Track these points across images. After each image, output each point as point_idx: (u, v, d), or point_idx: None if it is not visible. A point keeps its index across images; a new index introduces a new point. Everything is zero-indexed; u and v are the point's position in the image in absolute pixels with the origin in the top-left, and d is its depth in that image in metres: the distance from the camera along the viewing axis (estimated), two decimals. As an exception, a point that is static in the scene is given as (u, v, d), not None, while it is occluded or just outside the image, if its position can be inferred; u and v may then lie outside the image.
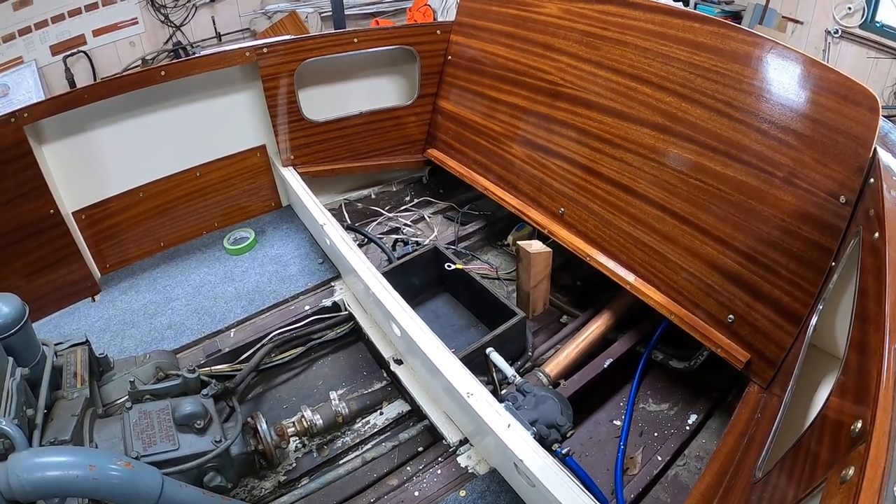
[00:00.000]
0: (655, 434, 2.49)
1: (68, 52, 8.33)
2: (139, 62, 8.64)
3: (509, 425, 2.08)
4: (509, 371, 2.51)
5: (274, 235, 3.68)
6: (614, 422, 2.55)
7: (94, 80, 8.43)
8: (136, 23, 8.68)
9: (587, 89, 2.91)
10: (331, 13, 9.24)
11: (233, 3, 9.12)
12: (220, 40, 9.08)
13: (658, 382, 2.71)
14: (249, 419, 2.36)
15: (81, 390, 2.16)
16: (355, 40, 3.59)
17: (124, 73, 3.59)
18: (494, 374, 2.60)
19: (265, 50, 3.38)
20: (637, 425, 2.53)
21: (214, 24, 9.05)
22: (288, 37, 4.07)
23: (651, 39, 2.69)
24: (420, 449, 2.53)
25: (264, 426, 2.33)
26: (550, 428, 2.25)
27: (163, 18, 8.71)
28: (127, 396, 2.32)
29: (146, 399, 2.31)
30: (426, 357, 2.38)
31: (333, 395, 2.64)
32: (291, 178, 3.62)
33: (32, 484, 1.56)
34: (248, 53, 3.37)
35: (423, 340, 2.43)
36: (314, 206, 3.34)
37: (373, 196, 4.14)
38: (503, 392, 2.46)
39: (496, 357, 2.56)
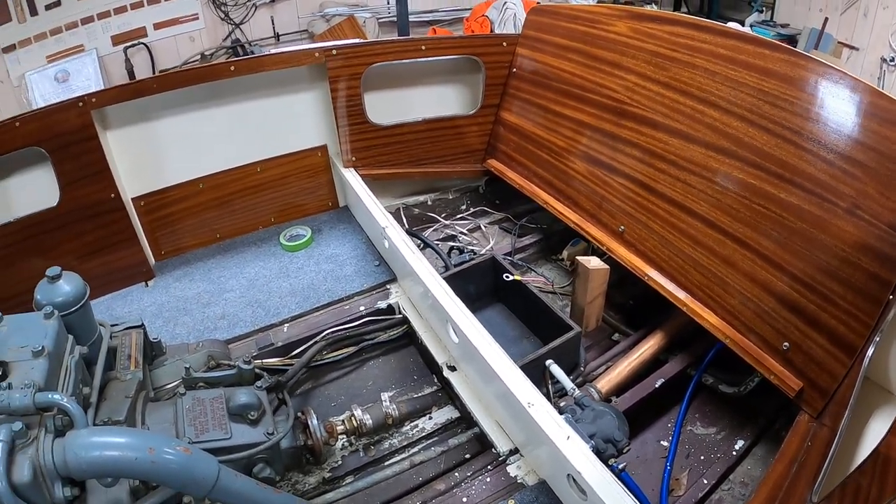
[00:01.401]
0: (702, 457, 2.53)
1: (129, 44, 8.62)
2: (198, 57, 8.89)
3: (568, 437, 2.13)
4: (569, 384, 2.57)
5: (330, 235, 3.82)
6: (661, 442, 2.61)
7: (153, 72, 8.73)
8: (197, 18, 8.95)
9: (654, 109, 2.98)
10: (388, 19, 9.47)
11: (292, 4, 9.34)
12: (279, 40, 9.29)
13: (706, 406, 2.76)
14: (300, 414, 2.43)
15: (135, 373, 2.23)
16: (423, 48, 3.72)
17: (193, 67, 3.76)
18: (550, 386, 2.66)
19: (334, 52, 3.52)
20: (684, 447, 2.58)
21: (273, 24, 9.27)
22: (357, 40, 4.25)
23: (720, 63, 2.75)
24: (467, 456, 2.59)
25: (315, 422, 2.40)
26: (607, 443, 2.29)
27: (223, 16, 8.96)
28: (178, 382, 2.42)
29: (199, 386, 2.40)
30: (486, 363, 2.44)
31: (385, 396, 2.72)
32: (353, 179, 3.75)
33: (89, 462, 1.61)
34: (317, 54, 3.51)
35: (484, 347, 2.50)
36: (375, 208, 3.45)
37: (429, 202, 4.25)
38: (562, 404, 2.51)
39: (556, 369, 2.63)
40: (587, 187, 3.31)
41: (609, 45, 3.28)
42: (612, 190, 3.16)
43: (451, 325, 2.72)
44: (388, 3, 9.64)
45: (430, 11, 9.94)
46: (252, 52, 9.00)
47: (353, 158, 3.84)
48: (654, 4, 10.68)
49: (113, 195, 3.34)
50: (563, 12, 3.65)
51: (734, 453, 2.54)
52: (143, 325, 2.50)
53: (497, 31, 8.60)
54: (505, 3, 8.98)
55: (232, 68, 3.42)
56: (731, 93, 2.68)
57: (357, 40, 4.30)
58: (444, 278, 2.97)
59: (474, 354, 2.54)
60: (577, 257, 3.14)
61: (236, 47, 9.01)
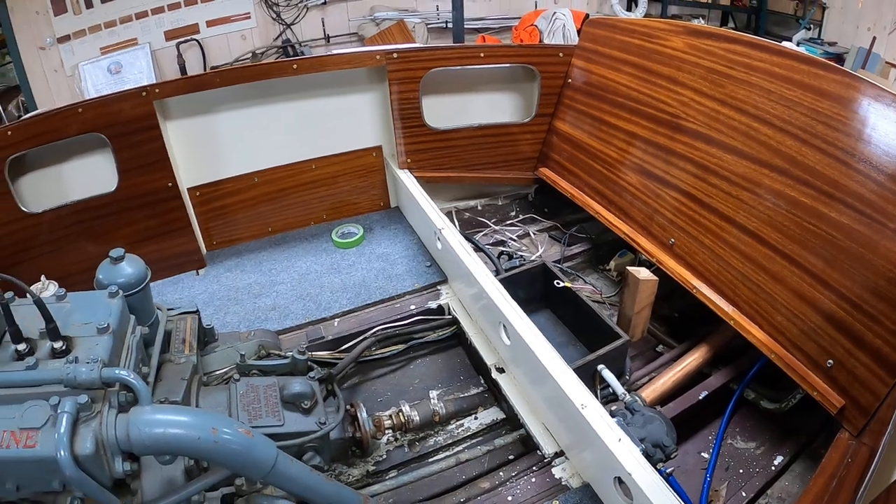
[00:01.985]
0: (741, 471, 2.59)
1: (181, 39, 8.88)
2: (249, 55, 9.11)
3: (620, 439, 2.18)
4: (620, 389, 2.65)
5: (381, 234, 3.94)
6: (702, 454, 2.67)
7: (204, 68, 8.95)
8: (249, 17, 9.17)
9: (708, 125, 3.05)
10: (436, 25, 9.62)
11: (343, 7, 9.53)
12: (329, 42, 9.48)
13: (747, 421, 2.81)
14: (349, 407, 2.52)
15: (189, 356, 2.31)
16: (482, 55, 3.84)
17: (256, 63, 3.92)
18: (598, 391, 2.73)
19: (395, 55, 3.65)
20: (724, 460, 2.64)
21: (324, 25, 9.47)
22: (417, 45, 4.38)
23: (775, 82, 2.81)
24: (511, 457, 2.67)
25: (364, 415, 2.49)
26: (656, 447, 2.36)
27: (275, 16, 9.18)
28: (228, 368, 2.53)
29: (252, 373, 2.49)
30: (539, 365, 2.51)
31: (433, 394, 2.83)
32: (407, 180, 3.86)
33: (153, 439, 1.65)
34: (378, 56, 3.64)
35: (538, 348, 2.56)
36: (431, 210, 3.56)
37: (479, 207, 4.36)
38: (613, 408, 2.56)
39: (608, 374, 2.70)
40: (639, 199, 3.38)
41: (665, 60, 3.36)
42: (663, 203, 3.23)
43: (505, 326, 2.80)
44: (438, 10, 9.78)
45: (480, 19, 10.06)
46: (302, 53, 9.19)
47: (409, 160, 3.96)
48: (701, 19, 10.73)
49: (170, 184, 3.50)
50: (620, 26, 3.73)
51: (773, 468, 2.59)
52: (197, 311, 2.60)
53: (546, 41, 8.71)
54: (554, 14, 9.09)
55: (295, 66, 3.56)
56: (786, 112, 2.75)
57: (417, 45, 4.42)
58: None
59: (527, 356, 2.61)
60: (628, 267, 3.22)
61: (287, 47, 9.20)
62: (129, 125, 3.33)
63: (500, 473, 2.54)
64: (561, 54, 3.99)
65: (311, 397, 2.34)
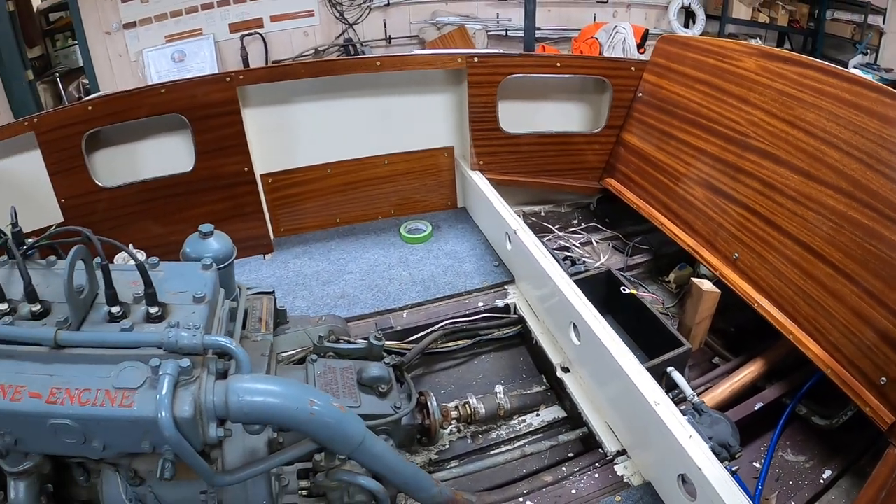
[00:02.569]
0: (790, 482, 2.68)
1: (245, 32, 9.18)
2: (312, 52, 9.37)
3: (690, 436, 2.27)
4: (689, 390, 2.76)
5: (449, 232, 4.11)
6: (754, 463, 2.76)
7: (266, 62, 9.23)
8: (312, 15, 9.45)
9: (777, 145, 3.15)
10: (496, 32, 9.81)
11: (405, 9, 9.77)
12: (390, 44, 9.72)
13: (798, 435, 2.91)
14: (420, 395, 2.62)
15: (266, 335, 2.43)
16: (558, 64, 3.99)
17: (340, 59, 4.14)
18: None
19: (476, 59, 3.81)
20: (774, 470, 2.74)
21: (385, 27, 9.73)
22: (497, 51, 4.56)
23: (844, 108, 2.91)
24: (570, 454, 2.80)
25: (434, 404, 2.58)
26: (722, 447, 2.46)
27: (338, 15, 9.44)
28: (296, 350, 2.67)
29: (328, 355, 2.61)
30: (613, 362, 2.59)
31: (499, 388, 2.95)
32: (480, 181, 4.01)
33: (251, 407, 1.72)
34: (459, 60, 3.81)
35: (614, 346, 2.65)
36: (504, 211, 3.68)
37: (542, 213, 4.50)
38: (681, 408, 2.60)
39: (677, 376, 2.81)
40: (704, 214, 3.49)
41: (737, 80, 3.47)
42: (728, 218, 3.33)
43: (576, 326, 2.91)
44: (498, 17, 9.98)
45: (538, 29, 10.23)
46: (363, 53, 9.44)
47: (480, 162, 4.12)
48: (758, 39, 10.80)
49: (246, 169, 3.73)
50: (694, 44, 3.85)
51: (821, 482, 2.68)
52: (273, 291, 2.75)
53: (605, 54, 8.84)
54: (615, 27, 9.22)
55: (378, 63, 3.77)
56: (853, 136, 2.84)
57: (497, 51, 4.61)
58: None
59: (598, 355, 2.71)
60: (692, 279, 3.34)
61: (348, 46, 9.45)
62: (210, 108, 3.56)
63: (563, 468, 2.64)
64: (633, 68, 4.11)
65: (388, 382, 2.46)
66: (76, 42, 9.57)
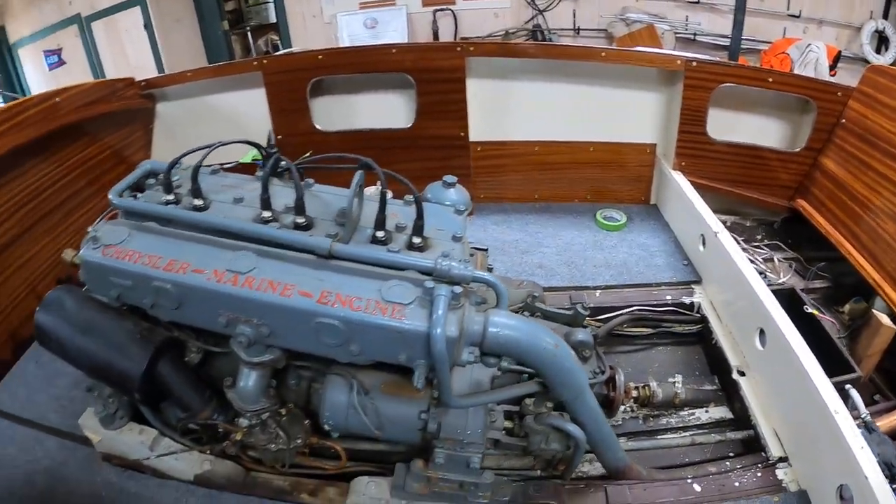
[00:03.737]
0: None
1: (438, 7, 9.53)
2: (502, 33, 9.65)
3: (862, 447, 2.32)
4: (863, 408, 2.77)
5: (641, 226, 4.26)
6: None
7: (455, 37, 9.60)
8: (505, -3, 9.77)
9: None
10: (685, 35, 9.79)
11: (595, 2, 9.87)
12: (578, 34, 9.85)
13: None
14: (610, 368, 2.71)
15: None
16: (770, 79, 4.02)
17: (565, 45, 4.36)
18: None
19: (694, 64, 3.92)
20: None
21: (574, 17, 9.86)
22: (715, 58, 4.66)
23: None
24: (731, 454, 2.90)
25: (622, 379, 2.68)
26: (886, 465, 2.47)
27: (529, 0, 9.72)
28: (519, 306, 2.80)
29: (536, 316, 2.77)
30: (800, 369, 2.65)
31: (678, 378, 3.06)
32: (680, 181, 4.12)
33: (505, 338, 1.97)
34: (678, 62, 3.93)
35: (803, 354, 2.71)
36: (706, 213, 3.77)
37: (728, 224, 4.49)
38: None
39: (854, 393, 2.81)
40: (894, 249, 3.48)
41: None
42: (917, 258, 3.31)
43: (763, 331, 2.99)
44: (687, 20, 9.95)
45: (724, 36, 10.14)
46: (550, 40, 9.63)
47: (683, 163, 4.22)
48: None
49: (462, 134, 4.01)
50: (905, 79, 3.82)
51: None
52: (486, 249, 2.93)
53: (796, 72, 8.70)
54: (808, 46, 9.03)
55: (603, 54, 3.97)
56: None
57: (715, 58, 4.70)
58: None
59: (786, 360, 2.77)
60: (874, 311, 3.36)
61: (536, 32, 9.65)
62: (437, 73, 3.85)
63: (726, 463, 2.77)
64: (839, 93, 4.08)
65: (591, 348, 2.59)
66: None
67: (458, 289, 1.94)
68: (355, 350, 2.03)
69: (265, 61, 4.16)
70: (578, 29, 9.91)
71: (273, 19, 11.10)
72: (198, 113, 4.54)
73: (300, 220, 2.19)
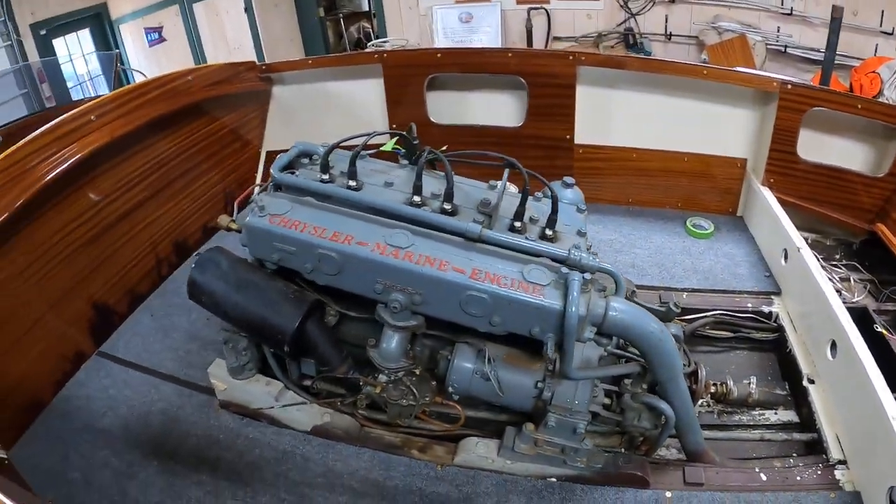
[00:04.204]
0: None
1: (532, 6, 9.80)
2: (595, 35, 9.89)
3: None
4: None
5: (728, 236, 4.50)
6: None
7: (548, 36, 9.85)
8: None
9: None
10: (776, 47, 9.81)
11: (688, 8, 9.98)
12: (669, 40, 10.02)
13: None
14: (694, 363, 2.92)
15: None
16: (859, 106, 4.17)
17: (671, 62, 4.59)
18: None
19: (789, 87, 4.13)
20: None
21: (666, 23, 10.02)
22: (809, 83, 4.84)
23: None
24: (794, 454, 3.13)
25: (703, 374, 2.89)
26: None
27: (622, 3, 9.83)
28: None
29: None
30: (867, 380, 2.83)
31: (753, 379, 3.26)
32: (768, 196, 4.32)
33: (621, 322, 2.28)
34: (774, 84, 4.16)
35: (870, 366, 2.89)
36: (790, 229, 3.98)
37: (809, 241, 4.59)
38: None
39: None
40: None
41: None
42: None
43: (837, 343, 3.18)
44: (778, 31, 9.96)
45: (814, 50, 10.10)
46: (641, 44, 9.81)
47: (771, 179, 4.44)
48: None
49: (568, 136, 4.35)
50: None
51: None
52: (591, 246, 3.08)
53: (886, 92, 8.69)
54: (902, 65, 9.01)
55: (705, 72, 4.24)
56: None
57: (809, 83, 4.89)
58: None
59: (854, 371, 2.96)
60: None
61: (628, 35, 9.85)
62: (549, 78, 4.20)
63: (790, 460, 3.02)
64: None
65: (682, 341, 2.81)
66: (369, -11, 10.68)
67: (587, 276, 2.32)
68: (496, 321, 2.36)
69: (385, 55, 4.56)
70: (670, 35, 10.07)
71: (365, 7, 11.54)
72: (312, 98, 4.94)
73: (447, 206, 2.54)
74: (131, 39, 11.67)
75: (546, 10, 9.90)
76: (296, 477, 2.83)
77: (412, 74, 4.52)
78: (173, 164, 4.20)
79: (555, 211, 2.49)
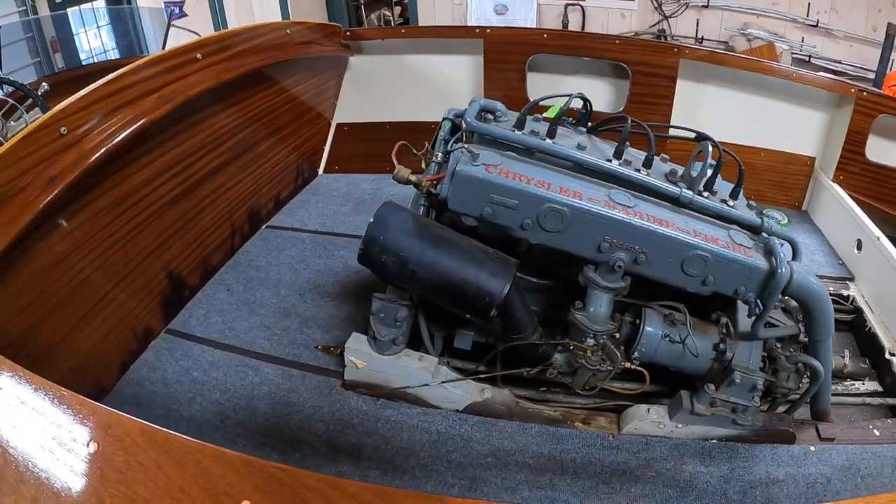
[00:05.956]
0: None
1: (569, 2, 10.15)
2: (631, 34, 10.22)
3: None
4: None
5: (799, 227, 4.82)
6: None
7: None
8: (633, -1, 10.30)
9: None
10: (800, 56, 10.10)
11: (719, 14, 10.31)
12: (700, 44, 10.29)
13: None
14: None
15: None
16: None
17: (743, 56, 4.97)
18: None
19: (865, 93, 4.47)
20: None
21: (698, 26, 10.36)
22: (881, 91, 5.21)
23: None
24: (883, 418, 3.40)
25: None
26: None
27: (657, 5, 10.19)
28: None
29: None
30: None
31: (847, 353, 3.60)
32: (837, 192, 4.65)
33: (804, 283, 2.45)
34: (852, 90, 4.49)
35: None
36: (867, 220, 4.25)
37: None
38: None
39: None
40: None
41: None
42: None
43: None
44: (802, 42, 10.29)
45: (836, 62, 10.50)
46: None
47: (840, 177, 4.78)
48: None
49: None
50: None
51: None
52: None
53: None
54: (929, 78, 9.40)
55: (794, 75, 4.56)
56: None
57: (881, 91, 5.29)
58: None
59: None
60: None
61: (660, 37, 10.19)
62: (653, 67, 4.50)
63: (877, 422, 3.29)
64: None
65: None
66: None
67: (782, 241, 2.56)
68: (710, 281, 2.51)
69: (488, 30, 4.77)
70: (701, 39, 10.37)
71: (390, -7, 11.65)
72: (391, 70, 5.10)
73: (645, 172, 2.65)
74: (149, 13, 11.66)
75: (581, 7, 10.18)
76: (460, 459, 2.69)
77: (514, 52, 4.71)
78: (258, 125, 4.08)
79: (739, 183, 2.78)
